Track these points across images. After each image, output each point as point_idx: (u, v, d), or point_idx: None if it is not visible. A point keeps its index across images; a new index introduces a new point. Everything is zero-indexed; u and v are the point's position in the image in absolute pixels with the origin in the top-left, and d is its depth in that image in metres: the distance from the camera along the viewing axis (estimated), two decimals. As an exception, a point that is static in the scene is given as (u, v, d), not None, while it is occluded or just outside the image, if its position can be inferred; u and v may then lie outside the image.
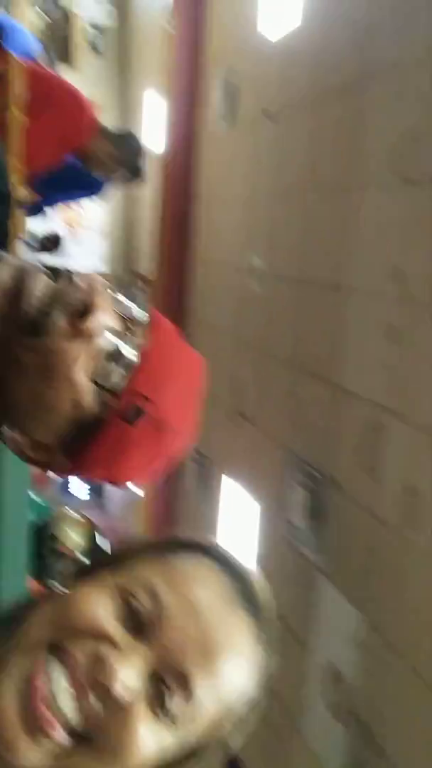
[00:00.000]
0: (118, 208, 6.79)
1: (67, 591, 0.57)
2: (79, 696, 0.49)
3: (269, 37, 3.69)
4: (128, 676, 0.50)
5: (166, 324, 0.74)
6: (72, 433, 0.68)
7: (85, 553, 2.40)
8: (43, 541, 2.31)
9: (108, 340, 0.66)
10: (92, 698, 0.49)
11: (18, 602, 0.62)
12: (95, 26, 6.83)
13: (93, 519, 2.56)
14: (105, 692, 0.49)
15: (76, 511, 2.56)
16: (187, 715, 0.52)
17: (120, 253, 7.11)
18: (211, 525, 4.44)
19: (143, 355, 0.68)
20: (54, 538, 2.30)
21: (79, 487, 8.06)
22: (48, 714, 0.48)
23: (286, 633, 3.11)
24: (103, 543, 2.46)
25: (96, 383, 0.66)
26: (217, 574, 0.58)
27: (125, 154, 2.76)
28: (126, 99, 6.93)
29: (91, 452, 0.70)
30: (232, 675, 0.54)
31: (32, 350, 0.63)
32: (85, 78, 6.65)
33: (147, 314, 0.70)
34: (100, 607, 0.52)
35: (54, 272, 0.66)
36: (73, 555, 2.35)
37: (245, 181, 4.03)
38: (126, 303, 0.69)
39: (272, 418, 3.56)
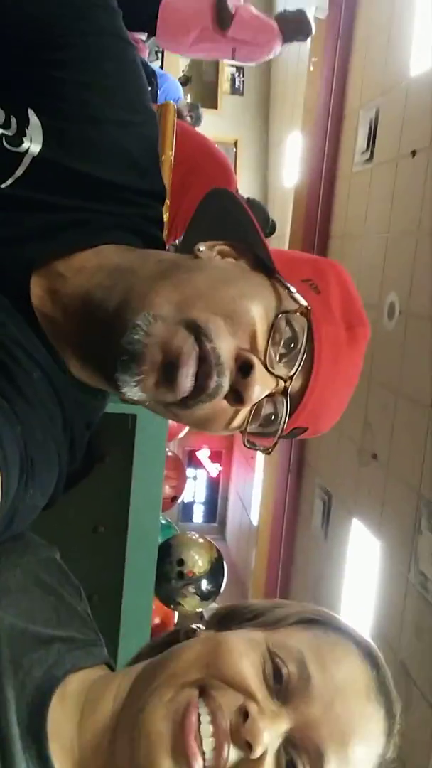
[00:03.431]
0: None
1: (214, 634, 0.61)
2: (219, 741, 0.53)
3: (415, 73, 3.69)
4: (270, 737, 0.53)
5: (331, 342, 0.66)
6: None
7: (209, 578, 2.43)
8: (168, 563, 2.36)
9: (265, 407, 0.65)
10: (229, 747, 0.53)
11: (169, 634, 0.68)
12: (238, 68, 7.11)
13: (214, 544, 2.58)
14: (244, 745, 0.53)
15: (199, 534, 2.60)
16: None
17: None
18: (333, 564, 4.36)
19: (304, 395, 0.65)
20: (181, 561, 2.35)
21: (198, 513, 8.19)
22: (197, 749, 0.52)
23: (408, 682, 2.98)
24: (224, 570, 2.48)
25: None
26: (361, 663, 0.60)
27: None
28: (265, 138, 7.13)
29: None
30: (360, 765, 0.56)
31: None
32: (227, 118, 6.93)
33: (309, 343, 0.64)
34: (251, 666, 0.56)
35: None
36: (198, 579, 2.39)
37: (382, 220, 4.00)
38: (285, 339, 0.64)
39: (404, 460, 3.46)
